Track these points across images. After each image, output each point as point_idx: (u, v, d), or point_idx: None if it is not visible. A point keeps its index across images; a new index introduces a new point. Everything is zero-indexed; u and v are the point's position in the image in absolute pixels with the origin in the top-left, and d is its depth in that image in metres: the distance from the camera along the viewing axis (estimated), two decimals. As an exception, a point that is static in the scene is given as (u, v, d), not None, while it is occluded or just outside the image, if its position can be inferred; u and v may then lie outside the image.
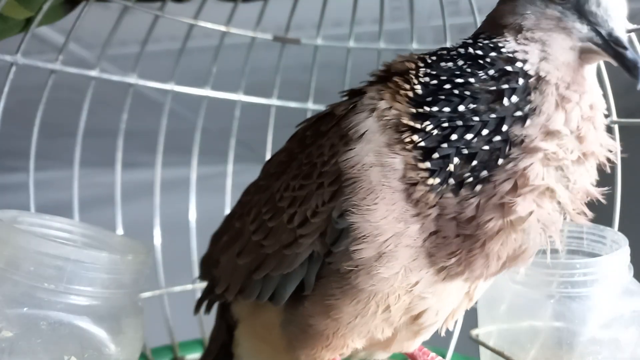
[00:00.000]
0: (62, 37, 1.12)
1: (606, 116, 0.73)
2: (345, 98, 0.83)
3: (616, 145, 0.73)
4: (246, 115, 1.36)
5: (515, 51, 0.70)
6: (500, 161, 0.66)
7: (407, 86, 0.71)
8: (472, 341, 0.98)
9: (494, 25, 0.74)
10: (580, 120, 0.68)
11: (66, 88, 1.21)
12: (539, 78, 0.68)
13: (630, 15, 0.87)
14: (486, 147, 0.66)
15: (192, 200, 1.35)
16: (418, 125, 0.68)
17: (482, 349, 0.97)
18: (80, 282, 0.81)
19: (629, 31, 0.72)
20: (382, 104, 0.72)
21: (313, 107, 1.33)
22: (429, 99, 0.69)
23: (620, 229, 0.96)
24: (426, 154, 0.67)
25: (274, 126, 1.37)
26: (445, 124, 0.67)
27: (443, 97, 0.68)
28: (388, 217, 0.69)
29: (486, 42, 0.72)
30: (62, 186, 1.25)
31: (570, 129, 0.67)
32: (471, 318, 0.99)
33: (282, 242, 0.78)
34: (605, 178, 0.77)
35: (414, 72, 0.73)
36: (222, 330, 0.97)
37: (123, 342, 0.85)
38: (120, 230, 1.25)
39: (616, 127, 0.96)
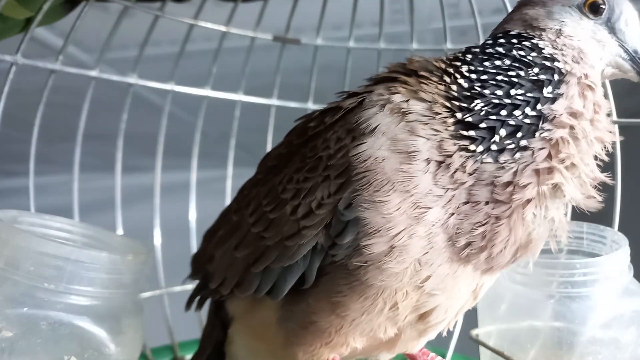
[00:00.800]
0: (62, 41, 1.12)
1: (607, 116, 0.79)
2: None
3: (616, 145, 0.82)
4: (246, 117, 1.36)
5: (555, 54, 0.77)
6: (537, 134, 0.73)
7: (448, 79, 0.77)
8: (472, 341, 0.98)
9: (529, 27, 0.81)
10: (593, 109, 0.75)
11: (66, 91, 1.21)
12: (568, 73, 0.76)
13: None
14: (527, 121, 0.73)
15: (192, 200, 1.36)
16: (465, 105, 0.74)
17: (482, 349, 0.97)
18: (80, 282, 0.81)
19: None
20: (397, 98, 0.75)
21: (313, 107, 1.34)
22: (478, 85, 0.75)
23: (620, 229, 0.96)
24: (469, 127, 0.73)
25: (273, 128, 1.38)
26: (496, 101, 0.74)
27: (494, 83, 0.75)
28: (402, 207, 0.71)
29: (526, 43, 0.78)
30: (62, 190, 1.25)
31: (587, 113, 0.75)
32: (471, 318, 0.99)
33: (285, 234, 0.78)
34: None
35: (451, 69, 0.78)
36: (217, 329, 0.97)
37: (123, 342, 0.85)
38: (120, 233, 1.24)
39: (616, 128, 0.96)
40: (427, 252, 0.72)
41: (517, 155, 0.72)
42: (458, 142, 0.72)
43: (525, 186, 0.71)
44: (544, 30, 0.79)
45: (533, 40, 0.78)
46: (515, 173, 0.72)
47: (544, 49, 0.77)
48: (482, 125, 0.72)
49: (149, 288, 1.25)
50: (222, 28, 1.30)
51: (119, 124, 1.24)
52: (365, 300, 0.75)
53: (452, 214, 0.72)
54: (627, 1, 0.82)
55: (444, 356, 1.12)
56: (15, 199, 1.18)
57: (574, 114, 0.73)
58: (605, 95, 0.86)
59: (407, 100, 0.74)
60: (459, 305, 0.81)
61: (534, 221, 0.73)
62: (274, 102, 1.37)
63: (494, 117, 0.73)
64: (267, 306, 0.84)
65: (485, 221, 0.72)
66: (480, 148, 0.72)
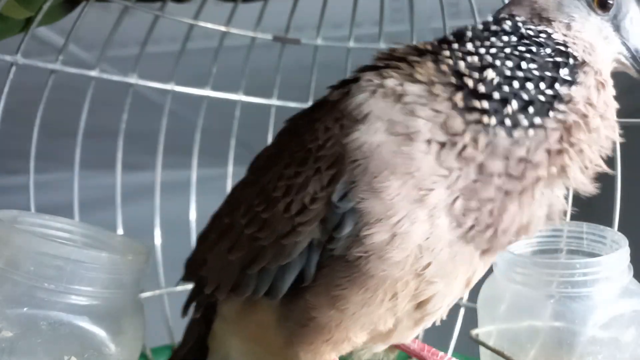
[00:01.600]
0: (62, 39, 1.12)
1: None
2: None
3: (616, 145, 0.81)
4: (246, 115, 1.36)
5: (565, 41, 0.77)
6: (551, 114, 0.72)
7: (447, 52, 0.76)
8: (472, 341, 0.98)
9: (537, 16, 0.80)
10: (605, 103, 0.76)
11: (66, 89, 1.21)
12: (584, 63, 0.76)
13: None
14: (542, 98, 0.72)
15: (192, 200, 1.36)
16: (476, 76, 0.72)
17: (482, 349, 0.97)
18: (80, 282, 0.81)
19: None
20: (390, 82, 0.74)
21: (313, 107, 1.34)
22: (488, 57, 0.74)
23: (620, 229, 0.96)
24: (481, 99, 0.72)
25: (274, 126, 1.37)
26: (508, 72, 0.73)
27: (503, 55, 0.74)
28: (402, 191, 0.70)
29: (533, 27, 0.78)
30: (63, 188, 1.25)
31: (599, 107, 0.75)
32: (471, 318, 0.99)
33: (279, 232, 0.76)
34: (605, 178, 0.78)
35: (447, 49, 0.76)
36: (199, 322, 0.96)
37: (123, 342, 0.85)
38: (120, 232, 1.24)
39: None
40: (428, 238, 0.71)
41: (531, 132, 0.71)
42: (469, 116, 0.71)
43: (537, 164, 0.71)
44: (553, 21, 0.79)
45: (539, 27, 0.78)
46: (528, 150, 0.71)
47: (552, 34, 0.77)
48: (495, 95, 0.71)
49: (149, 288, 1.25)
50: (222, 28, 1.30)
51: (119, 121, 1.24)
52: (366, 292, 0.74)
53: (458, 196, 0.71)
54: (634, 0, 0.82)
55: (443, 356, 1.12)
56: (16, 196, 1.18)
57: (590, 105, 0.74)
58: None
59: (401, 84, 0.73)
60: (456, 293, 0.81)
61: (540, 200, 0.74)
62: (274, 102, 1.37)
63: (506, 87, 0.72)
64: (263, 308, 0.82)
65: (495, 197, 0.71)
66: (494, 120, 0.71)
